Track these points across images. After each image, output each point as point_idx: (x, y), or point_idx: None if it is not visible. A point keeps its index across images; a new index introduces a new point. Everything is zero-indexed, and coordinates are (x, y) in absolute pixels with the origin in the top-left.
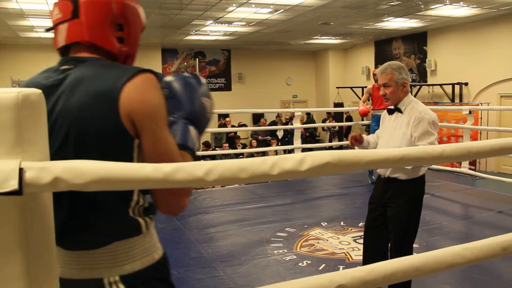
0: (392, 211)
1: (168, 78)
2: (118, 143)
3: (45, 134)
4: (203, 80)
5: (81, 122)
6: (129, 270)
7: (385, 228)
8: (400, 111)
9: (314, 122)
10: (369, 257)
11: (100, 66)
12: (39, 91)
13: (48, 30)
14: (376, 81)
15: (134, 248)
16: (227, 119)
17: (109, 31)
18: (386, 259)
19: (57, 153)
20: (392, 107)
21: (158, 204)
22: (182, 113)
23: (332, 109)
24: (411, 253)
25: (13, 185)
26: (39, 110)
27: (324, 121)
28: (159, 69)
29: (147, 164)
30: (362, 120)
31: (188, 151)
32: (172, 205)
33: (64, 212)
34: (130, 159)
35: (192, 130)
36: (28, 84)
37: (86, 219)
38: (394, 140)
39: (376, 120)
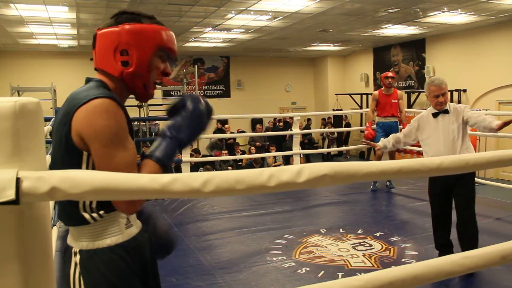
0: (460, 191)
1: (181, 101)
2: (68, 152)
3: (42, 143)
4: (208, 109)
5: (56, 131)
6: (84, 247)
7: (450, 211)
8: (447, 112)
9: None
10: (440, 236)
11: (84, 89)
12: (36, 100)
13: (91, 59)
14: (386, 85)
15: (84, 233)
16: (226, 125)
17: (111, 58)
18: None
19: (52, 154)
20: (436, 110)
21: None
22: (175, 134)
23: (330, 112)
24: (476, 223)
25: (10, 195)
26: (36, 119)
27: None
28: None
29: (144, 174)
30: (361, 125)
31: (159, 163)
32: (121, 209)
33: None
34: (78, 168)
35: (174, 149)
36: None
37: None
38: (450, 134)
39: (382, 128)
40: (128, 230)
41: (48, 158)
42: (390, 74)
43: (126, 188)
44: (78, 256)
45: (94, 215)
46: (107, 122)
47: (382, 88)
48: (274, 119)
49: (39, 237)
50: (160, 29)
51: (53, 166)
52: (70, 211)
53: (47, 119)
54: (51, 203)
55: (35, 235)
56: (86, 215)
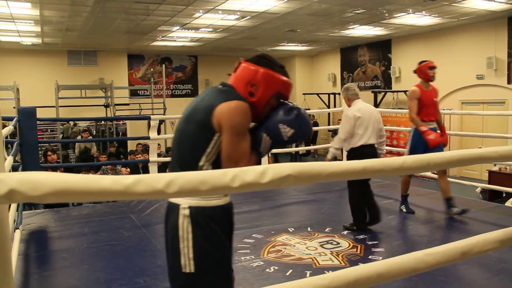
0: None
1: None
2: (206, 130)
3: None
4: (298, 114)
5: (198, 113)
6: (194, 204)
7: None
8: None
9: None
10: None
11: (225, 91)
12: None
13: (229, 74)
14: (429, 78)
15: None
16: None
17: (244, 85)
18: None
19: (184, 122)
20: None
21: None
22: (263, 128)
23: None
24: (357, 200)
25: None
26: None
27: None
28: (124, 75)
29: (106, 176)
30: (329, 124)
31: (255, 152)
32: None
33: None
34: (208, 142)
35: (265, 139)
36: None
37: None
38: None
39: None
40: (225, 197)
41: (10, 159)
42: (434, 63)
43: (88, 190)
44: (187, 211)
45: None
46: (241, 119)
47: (419, 83)
48: None
49: None
50: (284, 80)
51: (181, 138)
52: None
53: (9, 119)
54: (13, 206)
55: None
56: None
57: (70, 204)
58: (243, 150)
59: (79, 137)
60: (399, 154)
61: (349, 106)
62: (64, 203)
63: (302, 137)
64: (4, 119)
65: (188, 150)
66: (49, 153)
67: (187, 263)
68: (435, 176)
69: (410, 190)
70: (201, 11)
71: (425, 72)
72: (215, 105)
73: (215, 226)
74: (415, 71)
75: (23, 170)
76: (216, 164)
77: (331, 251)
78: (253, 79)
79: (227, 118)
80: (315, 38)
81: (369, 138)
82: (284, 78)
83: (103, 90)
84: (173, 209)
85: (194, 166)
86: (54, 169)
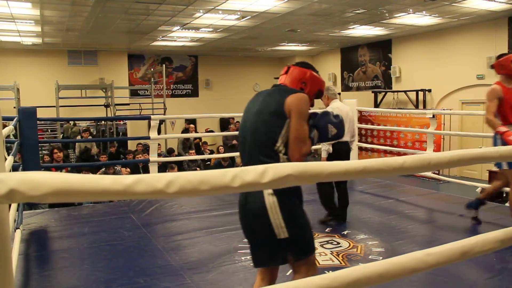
0: None
1: (322, 110)
2: (279, 117)
3: (0, 144)
4: (341, 120)
5: (269, 106)
6: None
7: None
8: None
9: None
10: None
11: (287, 88)
12: None
13: (276, 78)
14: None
15: None
16: (191, 125)
17: (296, 83)
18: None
19: (256, 115)
20: None
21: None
22: (315, 125)
23: None
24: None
25: None
26: None
27: None
28: (125, 75)
29: (106, 176)
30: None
31: (310, 139)
32: (293, 153)
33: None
34: (281, 127)
35: (315, 132)
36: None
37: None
38: None
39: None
40: None
41: (11, 159)
42: None
43: (88, 190)
44: (270, 189)
45: (284, 157)
46: (305, 106)
47: (500, 79)
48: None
49: None
50: (322, 79)
51: (255, 127)
52: (270, 153)
53: (9, 119)
54: (14, 206)
55: None
56: (281, 156)
57: (75, 204)
58: (306, 131)
59: (78, 137)
60: (399, 154)
61: (327, 105)
62: (68, 202)
63: (338, 138)
64: (5, 119)
65: (265, 134)
66: (55, 150)
67: (281, 231)
68: (436, 176)
69: (409, 190)
70: (201, 11)
71: (508, 66)
72: (285, 97)
73: (294, 197)
74: (492, 66)
75: (23, 170)
76: (287, 144)
77: (331, 251)
78: (303, 78)
79: (296, 106)
80: (316, 38)
81: (345, 136)
82: (322, 79)
83: (104, 90)
84: (253, 193)
85: (272, 147)
86: (57, 169)
